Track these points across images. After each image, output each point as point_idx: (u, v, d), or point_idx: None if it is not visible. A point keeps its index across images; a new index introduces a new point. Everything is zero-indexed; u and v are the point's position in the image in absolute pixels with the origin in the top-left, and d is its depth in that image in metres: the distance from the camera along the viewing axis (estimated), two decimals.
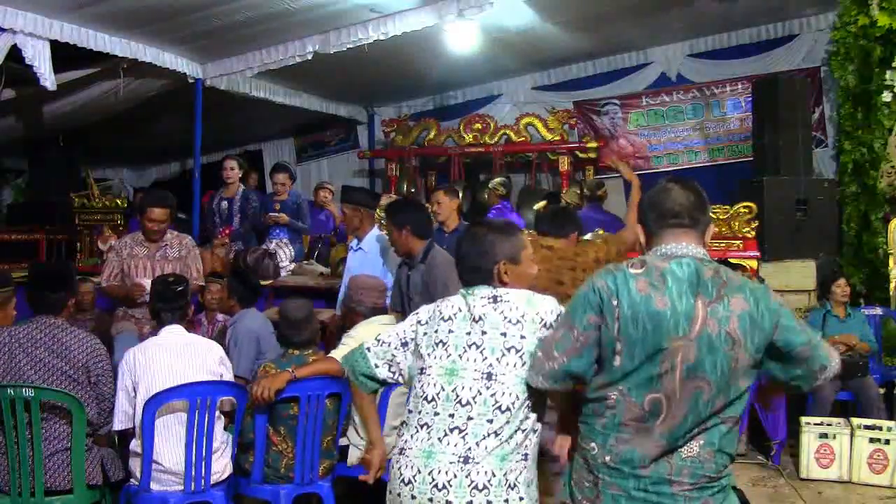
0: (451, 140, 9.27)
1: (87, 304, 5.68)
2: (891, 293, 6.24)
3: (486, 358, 2.20)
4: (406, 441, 2.24)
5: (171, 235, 4.91)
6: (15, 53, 5.49)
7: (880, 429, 4.85)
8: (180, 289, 3.69)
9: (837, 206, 6.69)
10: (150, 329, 4.24)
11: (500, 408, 2.16)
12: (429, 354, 2.27)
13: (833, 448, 4.86)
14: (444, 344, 2.26)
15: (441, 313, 2.32)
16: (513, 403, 2.16)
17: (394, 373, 2.39)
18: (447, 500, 2.12)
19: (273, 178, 6.87)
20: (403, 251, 4.23)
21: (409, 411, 2.29)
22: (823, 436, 4.88)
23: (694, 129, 9.11)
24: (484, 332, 2.22)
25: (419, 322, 2.36)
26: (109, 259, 4.91)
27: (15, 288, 3.85)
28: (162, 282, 3.78)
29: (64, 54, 5.89)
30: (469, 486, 2.12)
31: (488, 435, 2.15)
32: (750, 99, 7.81)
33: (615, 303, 2.01)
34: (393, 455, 2.27)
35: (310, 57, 6.72)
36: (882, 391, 5.33)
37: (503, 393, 2.17)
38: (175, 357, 3.47)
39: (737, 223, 5.57)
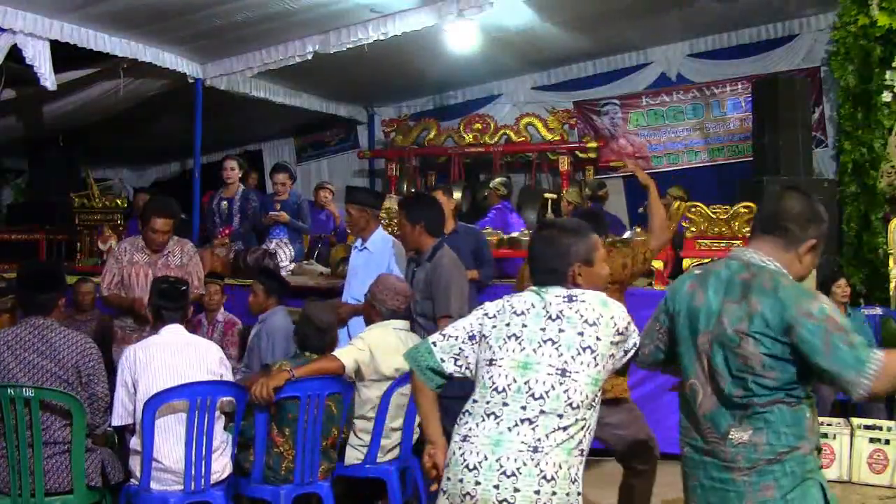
0: (451, 140, 9.27)
1: (87, 305, 5.68)
2: (891, 293, 6.23)
3: (561, 354, 2.23)
4: (471, 429, 2.24)
5: (172, 242, 4.75)
6: (15, 53, 5.50)
7: (880, 429, 4.86)
8: (183, 288, 3.70)
9: (837, 206, 6.69)
10: None
11: (571, 404, 2.20)
12: (500, 347, 2.29)
13: (833, 448, 4.86)
14: (517, 338, 2.27)
15: (513, 307, 2.33)
16: (582, 401, 2.21)
17: (461, 366, 2.39)
18: (515, 487, 2.14)
19: (273, 178, 6.87)
20: (413, 247, 4.22)
21: (475, 400, 2.29)
22: (823, 436, 4.88)
23: (694, 129, 9.10)
24: (561, 330, 2.25)
25: (486, 315, 2.37)
26: (109, 265, 4.76)
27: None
28: (165, 280, 3.78)
29: (64, 54, 5.89)
30: (538, 475, 2.14)
31: (558, 429, 2.18)
32: (750, 99, 7.81)
33: (672, 303, 2.31)
34: (454, 442, 2.27)
35: (310, 57, 6.73)
36: None
37: (575, 390, 2.20)
38: (175, 356, 3.47)
39: (737, 223, 5.56)
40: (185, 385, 3.36)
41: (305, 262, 6.58)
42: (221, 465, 3.49)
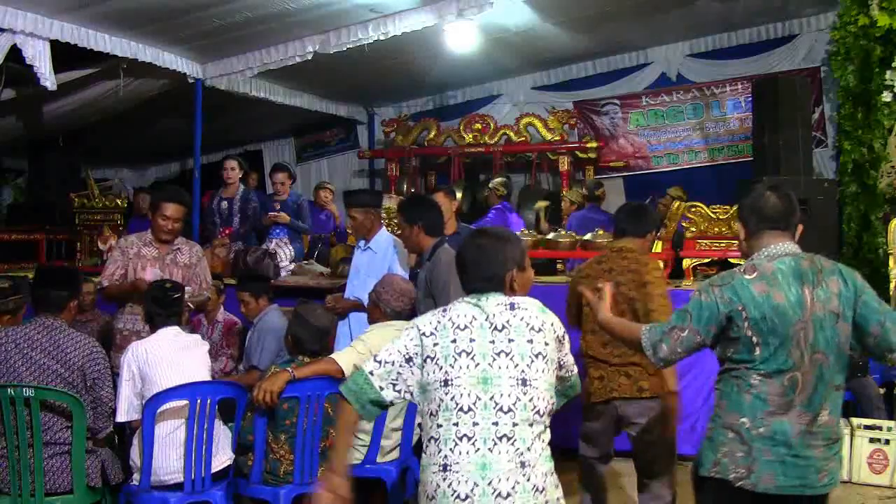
0: (451, 140, 9.27)
1: (88, 305, 5.67)
2: (891, 293, 6.23)
3: (517, 365, 2.21)
4: (446, 456, 2.16)
5: (181, 240, 4.58)
6: (15, 53, 5.50)
7: (880, 429, 4.85)
8: (177, 296, 3.67)
9: (837, 206, 6.68)
10: None
11: (538, 412, 2.20)
12: (452, 365, 2.21)
13: None
14: (468, 353, 2.21)
15: (453, 322, 2.26)
16: (546, 408, 2.22)
17: (400, 391, 2.30)
18: None
19: (273, 178, 6.86)
20: (413, 248, 4.23)
21: (439, 425, 2.20)
22: None
23: (694, 129, 9.11)
24: (511, 340, 2.23)
25: (423, 334, 2.27)
26: (113, 257, 4.51)
27: (25, 297, 3.85)
28: (160, 287, 3.74)
29: (64, 54, 5.89)
30: (532, 489, 2.14)
31: (535, 438, 2.19)
32: (750, 99, 7.81)
33: (741, 308, 2.38)
34: (432, 474, 2.18)
35: (310, 57, 6.73)
36: (882, 391, 5.32)
37: (539, 398, 2.21)
38: (179, 352, 3.49)
39: (737, 223, 5.57)
40: (185, 385, 3.36)
41: (305, 262, 6.58)
42: (222, 466, 3.49)
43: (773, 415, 2.36)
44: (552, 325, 2.29)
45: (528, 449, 2.16)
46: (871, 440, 4.81)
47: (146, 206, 7.78)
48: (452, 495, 2.13)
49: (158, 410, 3.32)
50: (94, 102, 7.35)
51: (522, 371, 2.20)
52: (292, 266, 6.46)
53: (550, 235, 6.33)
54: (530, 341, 2.23)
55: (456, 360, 2.22)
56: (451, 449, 2.17)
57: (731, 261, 5.66)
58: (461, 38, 7.10)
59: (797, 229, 2.56)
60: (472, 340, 2.23)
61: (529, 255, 6.21)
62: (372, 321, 3.95)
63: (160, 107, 7.97)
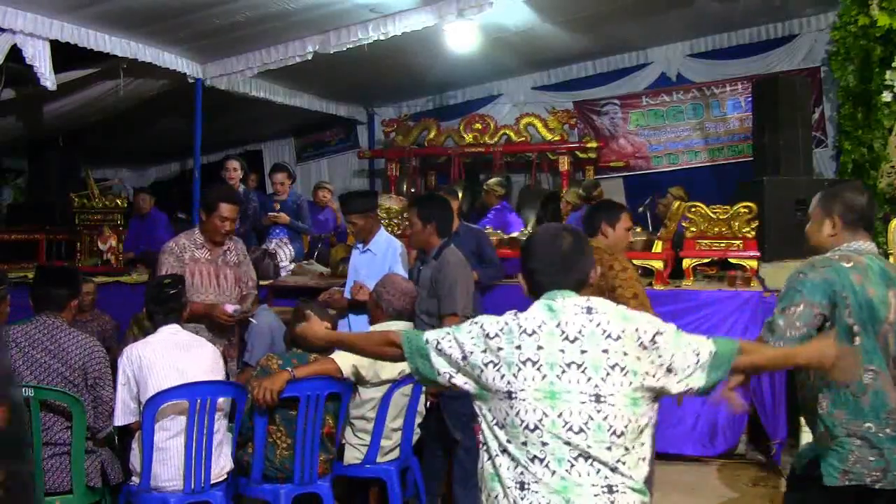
0: (451, 140, 9.27)
1: (87, 305, 5.67)
2: None
3: (590, 378, 1.95)
4: (522, 473, 1.96)
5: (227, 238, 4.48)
6: (15, 53, 5.50)
7: None
8: (173, 291, 3.65)
9: None
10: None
11: (615, 433, 1.94)
12: (515, 375, 1.97)
13: None
14: (533, 363, 1.97)
15: (521, 326, 2.01)
16: (626, 427, 1.95)
17: (455, 383, 2.11)
18: None
19: (272, 178, 6.87)
20: (420, 245, 4.23)
21: (508, 441, 1.99)
22: None
23: (694, 129, 9.11)
24: (584, 351, 1.96)
25: (487, 335, 2.04)
26: (167, 264, 4.27)
27: (8, 287, 3.83)
28: (157, 284, 3.73)
29: (64, 54, 5.89)
30: None
31: (617, 463, 1.94)
32: (750, 99, 7.81)
33: (845, 294, 2.42)
34: (508, 489, 1.97)
35: (310, 57, 6.72)
36: None
37: (615, 416, 1.94)
38: (179, 354, 3.47)
39: (737, 223, 5.56)
40: (185, 385, 3.36)
41: (305, 262, 6.59)
42: (222, 465, 3.49)
43: (894, 413, 2.42)
44: (635, 330, 1.99)
45: (613, 472, 1.93)
46: None
47: (146, 206, 7.81)
48: None
49: (158, 410, 3.31)
50: (94, 102, 7.35)
51: (596, 385, 1.94)
52: (292, 266, 6.46)
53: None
54: (605, 351, 1.96)
55: (520, 369, 1.98)
56: (526, 468, 1.96)
57: (731, 261, 5.67)
58: (461, 38, 7.09)
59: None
60: (539, 348, 1.98)
61: None
62: (373, 321, 3.95)
63: (160, 107, 7.97)
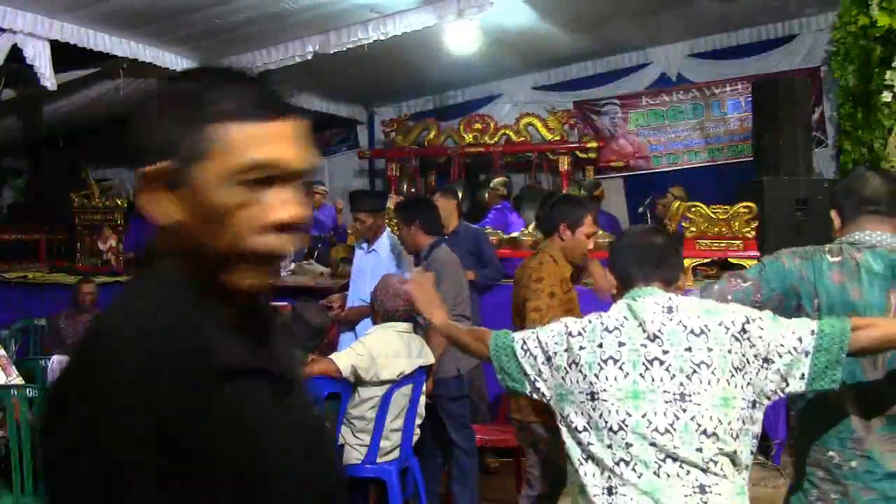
0: (451, 140, 9.27)
1: (88, 305, 5.68)
2: None
3: (674, 377, 1.87)
4: (610, 478, 1.89)
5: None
6: (15, 53, 5.50)
7: None
8: None
9: None
10: None
11: (705, 432, 1.85)
12: (597, 375, 1.92)
13: None
14: (615, 361, 1.92)
15: (604, 324, 1.97)
16: (717, 428, 1.86)
17: (536, 388, 2.06)
18: None
19: None
20: (412, 248, 4.23)
21: (590, 444, 1.93)
22: None
23: (694, 129, 9.11)
24: (666, 352, 1.89)
25: (570, 334, 2.00)
26: None
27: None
28: None
29: (64, 54, 5.89)
30: None
31: (709, 463, 1.86)
32: (750, 99, 7.81)
33: (814, 294, 2.12)
34: (594, 496, 1.92)
35: (310, 57, 6.73)
36: None
37: (703, 415, 1.85)
38: None
39: (737, 223, 5.56)
40: None
41: (305, 262, 6.59)
42: None
43: (861, 442, 2.07)
44: (720, 324, 1.90)
45: (705, 472, 1.85)
46: None
47: None
48: None
49: None
50: (94, 102, 7.35)
51: (681, 384, 1.87)
52: (292, 266, 6.46)
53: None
54: (689, 349, 1.89)
55: (601, 368, 1.92)
56: (611, 472, 1.90)
57: (731, 261, 5.67)
58: (461, 38, 7.10)
59: None
60: (620, 345, 1.93)
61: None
62: (373, 322, 3.97)
63: None
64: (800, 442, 2.19)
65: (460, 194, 8.89)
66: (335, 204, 8.09)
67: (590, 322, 2.00)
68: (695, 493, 1.84)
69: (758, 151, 7.04)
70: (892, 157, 6.62)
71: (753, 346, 1.88)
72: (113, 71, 6.69)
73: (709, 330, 1.89)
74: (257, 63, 6.98)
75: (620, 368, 1.91)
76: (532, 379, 2.06)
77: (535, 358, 2.05)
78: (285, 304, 4.93)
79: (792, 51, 8.50)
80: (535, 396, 2.08)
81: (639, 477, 1.86)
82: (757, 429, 1.93)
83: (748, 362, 1.88)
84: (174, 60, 6.81)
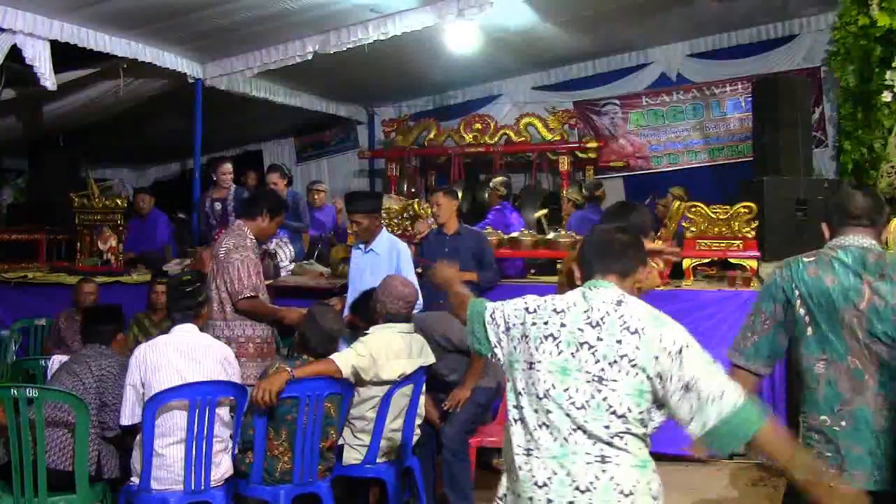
0: (451, 140, 9.28)
1: (89, 305, 5.68)
2: None
3: (598, 361, 2.08)
4: (528, 440, 2.14)
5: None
6: (15, 53, 5.50)
7: None
8: (189, 289, 3.63)
9: None
10: None
11: (615, 413, 2.06)
12: (537, 348, 2.16)
13: None
14: (554, 338, 2.15)
15: (554, 305, 2.20)
16: (628, 412, 2.06)
17: (495, 353, 2.33)
18: (590, 502, 2.04)
19: (267, 179, 6.91)
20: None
21: (520, 406, 2.17)
22: None
23: (694, 129, 9.12)
24: (600, 338, 2.10)
25: (527, 310, 2.25)
26: (250, 261, 4.27)
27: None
28: (175, 282, 3.76)
29: (64, 54, 5.89)
30: (615, 489, 2.04)
31: (613, 438, 2.06)
32: (750, 99, 7.81)
33: (795, 287, 2.47)
34: (517, 455, 2.15)
35: (310, 57, 6.73)
36: None
37: (616, 400, 2.06)
38: (182, 357, 3.46)
39: (737, 223, 5.56)
40: (185, 385, 3.35)
41: (305, 262, 6.58)
42: (222, 466, 3.48)
43: (850, 403, 2.38)
44: (659, 335, 2.07)
45: (609, 445, 2.06)
46: None
47: (146, 207, 7.80)
48: (531, 480, 2.11)
49: (158, 410, 3.31)
50: (94, 102, 7.35)
51: (602, 369, 2.08)
52: (292, 266, 6.46)
53: (550, 235, 6.33)
54: (619, 342, 2.08)
55: (542, 342, 2.17)
56: (531, 434, 2.14)
57: (731, 261, 5.67)
58: (461, 38, 7.10)
59: (883, 228, 2.63)
60: (562, 325, 2.16)
61: (529, 255, 6.15)
62: (374, 322, 3.96)
63: (160, 107, 7.97)
64: (801, 414, 2.51)
65: (460, 194, 8.95)
66: (335, 204, 8.09)
67: (545, 302, 2.25)
68: (596, 461, 2.06)
69: (758, 151, 7.04)
70: (892, 157, 6.62)
71: (681, 369, 2.05)
72: (113, 71, 6.69)
73: (644, 333, 2.08)
74: (257, 63, 6.98)
75: (557, 346, 2.15)
76: (493, 344, 2.33)
77: (497, 327, 2.32)
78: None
79: (792, 51, 8.51)
80: (493, 360, 2.35)
81: (553, 441, 2.10)
82: (659, 423, 2.14)
83: (670, 379, 2.06)
84: (174, 60, 6.82)
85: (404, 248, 4.77)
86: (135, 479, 3.40)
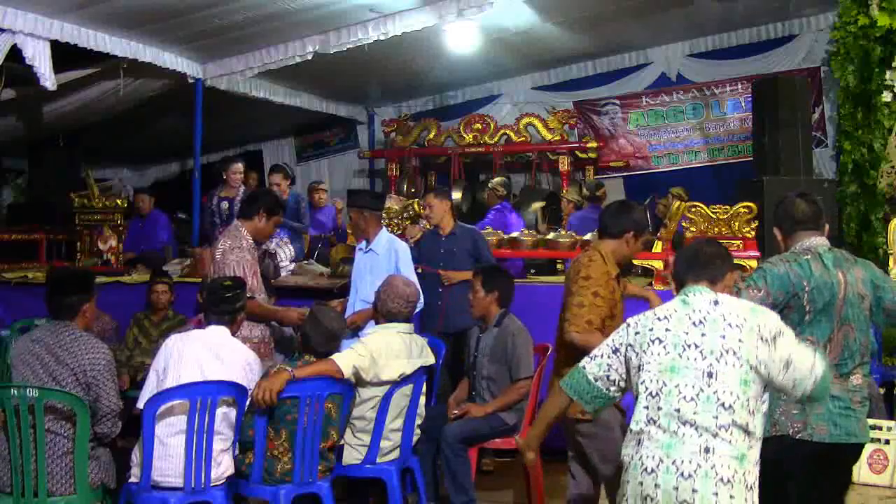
0: (451, 140, 9.27)
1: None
2: None
3: (705, 358, 2.30)
4: (641, 430, 2.33)
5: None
6: (15, 53, 5.50)
7: (880, 429, 4.84)
8: (229, 294, 3.58)
9: (837, 206, 6.69)
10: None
11: (723, 405, 2.25)
12: (645, 351, 2.38)
13: None
14: (661, 342, 2.36)
15: (656, 314, 2.43)
16: (735, 402, 2.26)
17: (614, 381, 2.48)
18: (693, 489, 2.20)
19: (270, 180, 6.90)
20: (480, 313, 4.26)
21: (637, 402, 2.39)
22: None
23: (694, 129, 9.12)
24: (703, 335, 2.32)
25: (627, 326, 2.47)
26: (241, 261, 4.19)
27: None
28: (216, 283, 3.71)
29: (64, 54, 5.89)
30: (714, 477, 2.20)
31: (721, 429, 2.24)
32: (750, 99, 7.81)
33: (805, 282, 2.83)
34: (631, 445, 2.35)
35: (310, 57, 6.73)
36: (882, 391, 5.32)
37: (724, 391, 2.26)
38: (209, 353, 3.45)
39: (737, 223, 5.56)
40: (185, 385, 3.35)
41: (305, 261, 6.58)
42: (222, 466, 3.48)
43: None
44: (756, 325, 2.32)
45: (715, 437, 2.23)
46: (872, 440, 4.80)
47: (146, 207, 7.80)
48: (640, 467, 2.29)
49: (159, 410, 3.31)
50: (94, 102, 7.35)
51: (710, 364, 2.29)
52: (292, 266, 6.46)
53: (550, 235, 6.32)
54: (723, 336, 2.30)
55: (649, 346, 2.38)
56: (643, 427, 2.33)
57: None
58: (461, 38, 7.10)
59: (825, 228, 3.03)
60: (667, 330, 2.37)
61: (529, 255, 6.17)
62: (375, 322, 3.98)
63: (160, 107, 7.97)
64: None
65: (460, 194, 8.95)
66: (335, 204, 8.08)
67: (645, 316, 2.47)
68: (700, 451, 2.23)
69: (758, 151, 7.05)
70: (892, 157, 6.63)
71: (779, 352, 2.33)
72: (113, 71, 6.70)
73: (744, 326, 2.32)
74: (257, 63, 6.98)
75: (664, 348, 2.36)
76: (604, 375, 2.48)
77: (602, 357, 2.50)
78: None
79: (792, 51, 8.51)
80: (614, 389, 2.50)
81: (662, 433, 2.28)
82: (766, 407, 2.46)
83: (772, 362, 2.32)
84: (174, 60, 6.82)
85: (403, 247, 4.77)
86: (135, 472, 3.38)
